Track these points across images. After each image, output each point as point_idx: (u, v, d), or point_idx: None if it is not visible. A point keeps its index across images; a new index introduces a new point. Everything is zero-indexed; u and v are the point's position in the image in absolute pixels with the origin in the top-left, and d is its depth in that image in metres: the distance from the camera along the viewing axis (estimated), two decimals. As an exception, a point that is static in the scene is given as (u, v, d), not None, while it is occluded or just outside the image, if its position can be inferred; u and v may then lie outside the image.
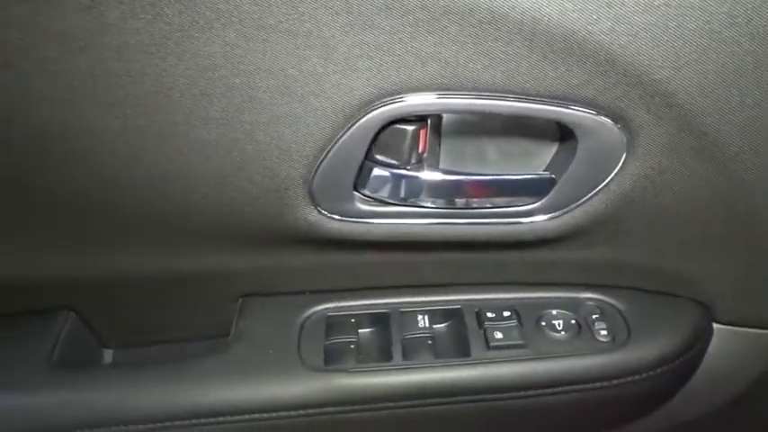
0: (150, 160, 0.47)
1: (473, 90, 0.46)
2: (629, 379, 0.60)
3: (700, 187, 0.52)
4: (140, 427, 0.54)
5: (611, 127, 0.48)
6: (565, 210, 0.54)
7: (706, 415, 0.73)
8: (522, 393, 0.58)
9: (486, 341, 0.59)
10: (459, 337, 0.61)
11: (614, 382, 0.59)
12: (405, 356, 0.58)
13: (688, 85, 0.45)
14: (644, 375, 0.60)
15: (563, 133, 0.52)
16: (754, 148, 0.49)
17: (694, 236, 0.56)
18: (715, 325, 0.65)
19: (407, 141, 0.50)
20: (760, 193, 0.51)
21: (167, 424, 0.54)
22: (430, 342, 0.60)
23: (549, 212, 0.54)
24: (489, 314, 0.62)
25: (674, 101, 0.46)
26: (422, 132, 0.50)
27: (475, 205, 0.54)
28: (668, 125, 0.47)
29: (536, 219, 0.55)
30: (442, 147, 0.54)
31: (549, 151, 0.54)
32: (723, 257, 0.58)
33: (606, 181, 0.52)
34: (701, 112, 0.46)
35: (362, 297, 0.63)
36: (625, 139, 0.49)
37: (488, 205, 0.54)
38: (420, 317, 0.62)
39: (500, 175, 0.54)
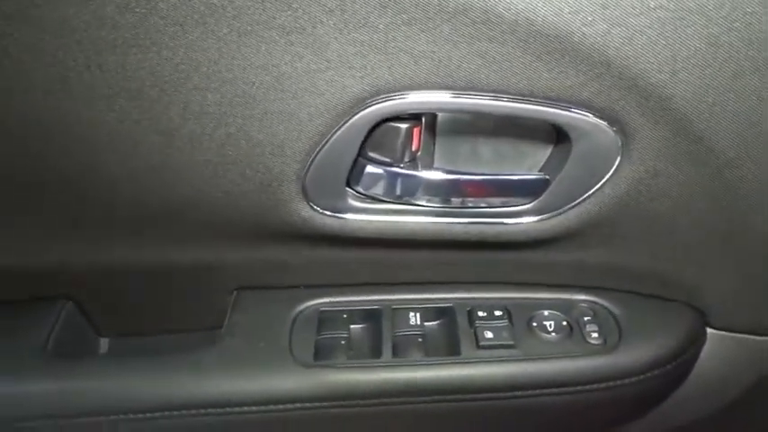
0: (145, 153, 0.47)
1: (467, 89, 0.46)
2: (620, 382, 0.60)
3: (695, 192, 0.51)
4: (131, 416, 0.54)
5: (606, 130, 0.48)
6: (558, 211, 0.54)
7: (699, 421, 0.72)
8: (511, 394, 0.58)
9: (477, 340, 0.59)
10: (450, 336, 0.61)
11: (604, 384, 0.59)
12: (395, 353, 0.58)
13: (684, 89, 0.45)
14: (635, 379, 0.60)
15: (558, 135, 0.52)
16: (750, 155, 0.48)
17: (689, 241, 0.56)
18: (709, 330, 0.65)
19: (401, 139, 0.50)
20: (755, 199, 0.51)
21: (157, 414, 0.55)
22: (420, 340, 0.60)
23: (543, 213, 0.54)
24: (481, 313, 0.62)
25: (669, 105, 0.46)
26: (415, 130, 0.50)
27: (468, 204, 0.54)
28: (664, 129, 0.47)
29: (529, 219, 0.55)
30: (436, 145, 0.54)
31: (543, 152, 0.53)
32: (718, 263, 0.58)
33: (600, 184, 0.52)
34: (696, 117, 0.46)
35: (355, 293, 0.63)
36: (620, 143, 0.49)
37: (482, 205, 0.55)
38: (412, 314, 0.62)
39: (494, 174, 0.54)
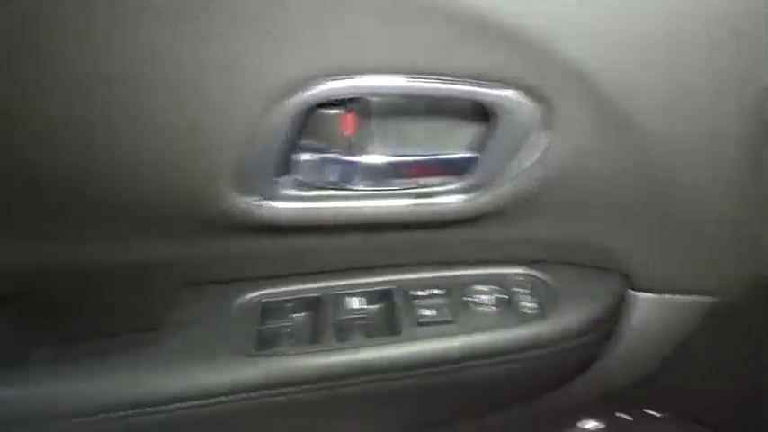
0: (82, 152, 0.46)
1: (393, 72, 0.46)
2: (554, 348, 0.62)
3: (619, 166, 0.53)
4: (75, 420, 0.53)
5: (531, 106, 0.49)
6: (489, 188, 0.55)
7: (632, 382, 0.76)
8: (452, 367, 0.60)
9: (416, 319, 0.61)
10: (391, 317, 0.62)
11: (540, 351, 0.62)
12: (338, 338, 0.59)
13: (603, 64, 0.46)
14: (567, 344, 0.62)
15: (486, 113, 0.53)
16: (668, 126, 0.51)
17: (614, 211, 0.59)
18: (638, 293, 0.67)
19: (334, 125, 0.51)
20: (674, 168, 0.54)
21: (101, 416, 0.54)
22: (362, 323, 0.61)
23: (474, 191, 0.56)
24: (419, 293, 0.63)
25: (590, 80, 0.47)
26: (348, 116, 0.51)
27: (402, 186, 0.55)
28: (586, 104, 0.49)
29: (461, 198, 0.56)
30: (369, 129, 0.54)
31: (473, 131, 0.55)
32: (641, 230, 0.60)
33: (528, 160, 0.53)
34: (617, 91, 0.48)
35: (297, 282, 0.63)
36: (545, 119, 0.50)
37: (415, 185, 0.55)
38: (353, 299, 0.63)
39: (425, 155, 0.55)
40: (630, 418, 0.84)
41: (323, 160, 0.53)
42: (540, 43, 0.45)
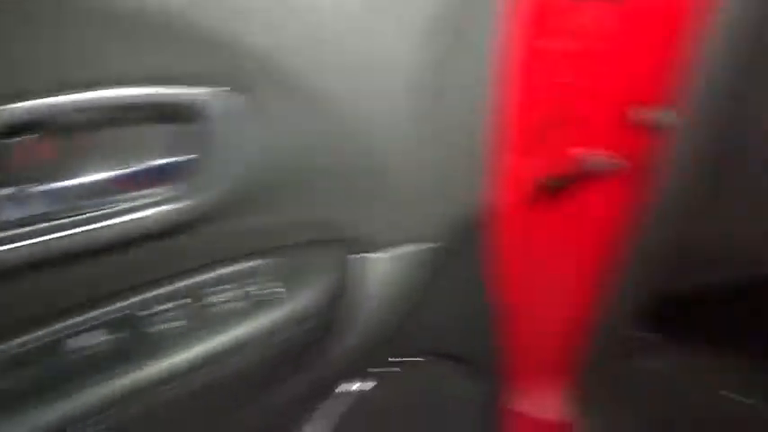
0: None
1: (81, 86, 0.45)
2: (301, 326, 0.66)
3: (319, 140, 0.58)
4: None
5: (231, 99, 0.51)
6: (213, 188, 0.56)
7: (383, 339, 0.82)
8: (210, 369, 0.60)
9: (160, 335, 0.59)
10: (134, 341, 0.59)
11: (288, 333, 0.65)
12: (83, 376, 0.55)
13: (286, 46, 0.50)
14: (313, 320, 0.67)
15: (195, 114, 0.53)
16: (351, 92, 0.56)
17: (328, 185, 0.63)
18: (367, 255, 0.73)
19: (21, 154, 0.47)
20: (367, 136, 0.60)
21: None
22: (107, 354, 0.57)
23: (198, 193, 0.56)
24: (156, 309, 0.61)
25: (278, 64, 0.50)
26: (44, 139, 0.47)
27: (119, 202, 0.53)
28: (283, 91, 0.52)
29: (181, 204, 0.55)
30: (69, 150, 0.51)
31: (187, 133, 0.54)
32: (355, 197, 0.66)
33: (240, 155, 0.55)
34: (303, 70, 0.52)
35: (24, 331, 0.57)
36: (248, 109, 0.52)
37: (134, 199, 0.54)
38: (92, 333, 0.59)
39: (139, 165, 0.53)
40: (398, 369, 0.92)
41: (18, 193, 0.48)
42: (231, 39, 0.47)
